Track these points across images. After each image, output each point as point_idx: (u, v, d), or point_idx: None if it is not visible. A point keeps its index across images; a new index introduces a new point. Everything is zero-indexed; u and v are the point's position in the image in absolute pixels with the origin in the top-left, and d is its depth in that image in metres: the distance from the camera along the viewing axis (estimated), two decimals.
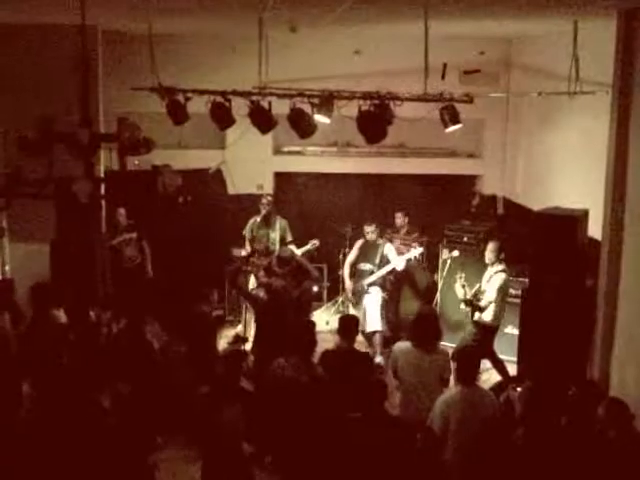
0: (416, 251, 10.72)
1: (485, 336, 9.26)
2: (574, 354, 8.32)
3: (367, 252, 10.64)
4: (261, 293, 9.09)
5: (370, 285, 10.54)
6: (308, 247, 11.18)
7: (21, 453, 5.83)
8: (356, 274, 10.71)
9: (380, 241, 10.63)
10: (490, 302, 9.10)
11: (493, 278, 9.19)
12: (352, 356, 7.51)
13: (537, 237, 8.70)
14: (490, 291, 9.13)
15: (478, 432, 6.23)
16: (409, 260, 10.69)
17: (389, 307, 10.88)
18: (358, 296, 10.61)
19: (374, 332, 10.38)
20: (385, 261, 10.54)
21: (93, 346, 7.45)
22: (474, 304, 9.22)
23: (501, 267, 9.24)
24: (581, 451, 5.74)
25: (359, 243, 10.80)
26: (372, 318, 10.38)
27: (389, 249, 10.61)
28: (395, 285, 11.11)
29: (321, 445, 6.19)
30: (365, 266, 10.60)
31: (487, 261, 9.33)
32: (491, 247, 9.33)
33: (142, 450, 6.24)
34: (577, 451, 5.76)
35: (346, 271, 10.86)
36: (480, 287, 9.30)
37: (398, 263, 10.50)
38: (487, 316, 9.17)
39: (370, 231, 10.53)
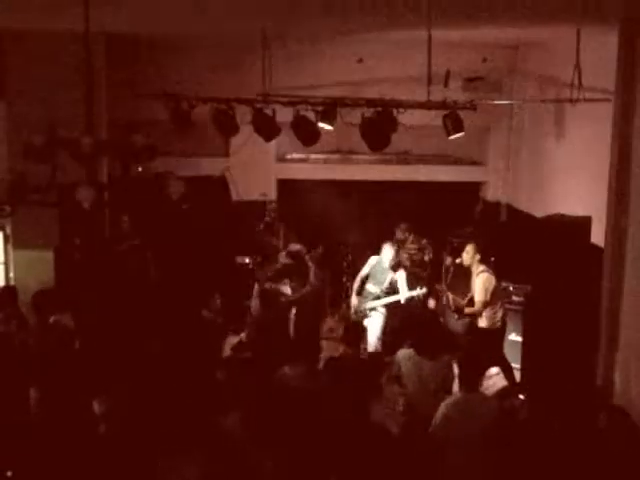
0: (421, 291, 10.41)
1: (490, 341, 9.25)
2: (578, 360, 8.31)
3: (377, 272, 10.41)
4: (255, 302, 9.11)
5: (372, 309, 10.38)
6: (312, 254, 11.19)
7: (28, 456, 5.86)
8: (362, 293, 10.53)
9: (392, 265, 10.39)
10: (480, 303, 9.07)
11: (476, 281, 9.19)
12: (357, 363, 7.52)
13: (540, 244, 8.71)
14: (477, 293, 9.12)
15: (479, 438, 6.23)
16: (411, 298, 10.44)
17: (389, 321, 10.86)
18: (361, 316, 10.40)
19: (373, 354, 10.29)
20: (393, 287, 10.34)
21: (97, 352, 7.47)
22: (467, 312, 9.23)
23: (482, 268, 9.23)
24: (583, 458, 5.74)
25: (374, 260, 10.51)
26: (372, 340, 10.29)
27: (400, 277, 10.34)
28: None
29: (325, 451, 6.19)
30: (372, 288, 10.38)
31: (465, 264, 9.34)
32: (466, 250, 9.35)
33: (148, 457, 6.25)
34: (579, 458, 5.76)
35: (355, 285, 10.60)
36: (472, 295, 9.30)
37: (403, 297, 10.24)
38: (482, 321, 9.17)
39: (389, 252, 10.27)
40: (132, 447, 5.95)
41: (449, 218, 12.12)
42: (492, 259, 9.85)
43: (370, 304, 10.33)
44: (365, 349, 10.09)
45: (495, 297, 9.16)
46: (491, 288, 9.12)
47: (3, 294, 8.72)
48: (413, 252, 11.51)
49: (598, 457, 5.68)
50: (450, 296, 9.50)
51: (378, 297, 10.34)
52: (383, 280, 10.34)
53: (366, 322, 10.30)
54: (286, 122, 9.01)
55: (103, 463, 5.82)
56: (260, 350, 8.69)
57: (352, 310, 10.53)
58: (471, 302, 9.21)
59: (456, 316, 9.71)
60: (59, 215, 9.42)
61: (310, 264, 10.41)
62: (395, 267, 10.37)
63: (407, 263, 11.14)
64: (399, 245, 11.35)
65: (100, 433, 6.09)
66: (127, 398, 6.27)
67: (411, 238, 11.62)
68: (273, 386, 7.11)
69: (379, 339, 10.27)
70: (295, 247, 10.31)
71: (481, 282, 9.11)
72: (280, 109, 8.98)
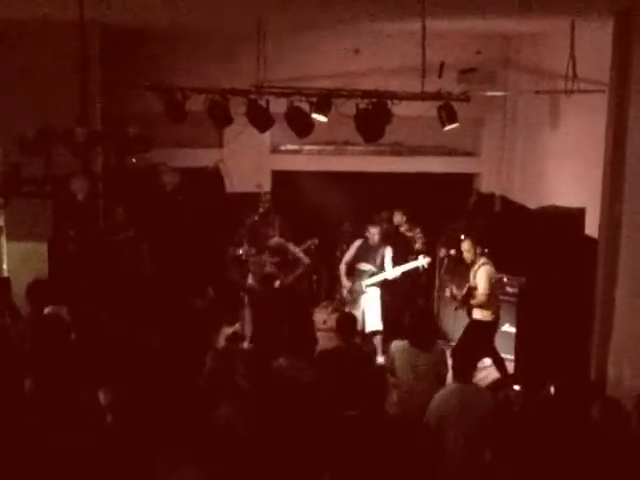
0: (424, 260, 10.46)
1: (484, 333, 9.29)
2: (571, 352, 8.34)
3: (367, 253, 10.45)
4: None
5: (368, 286, 10.42)
6: (307, 245, 11.23)
7: (23, 450, 5.85)
8: (355, 274, 10.57)
9: (380, 243, 10.43)
10: (484, 295, 9.10)
11: (478, 272, 9.22)
12: (351, 355, 7.51)
13: (534, 235, 8.73)
14: (480, 285, 9.14)
15: (474, 430, 6.25)
16: (417, 268, 10.51)
17: (387, 304, 10.95)
18: (356, 296, 10.49)
19: (374, 332, 10.35)
20: (384, 264, 10.40)
21: (93, 344, 7.45)
22: (468, 303, 9.26)
23: (483, 260, 9.27)
24: (577, 449, 5.76)
25: (357, 243, 10.60)
26: (371, 318, 10.31)
27: (388, 254, 10.41)
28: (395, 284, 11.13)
29: (320, 444, 6.20)
30: (365, 266, 10.41)
31: (466, 261, 9.38)
32: (465, 247, 9.38)
33: (141, 448, 6.24)
34: (574, 449, 5.78)
35: (342, 270, 10.67)
36: (470, 286, 9.32)
37: (391, 273, 10.30)
38: (478, 313, 9.20)
39: (375, 232, 10.39)
40: (130, 441, 5.95)
41: (443, 209, 12.13)
42: (486, 250, 9.88)
43: (367, 281, 10.34)
44: (362, 332, 10.14)
45: (495, 289, 9.23)
46: (493, 280, 9.19)
47: None
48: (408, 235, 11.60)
49: (592, 448, 5.70)
50: (453, 288, 9.51)
51: (373, 274, 10.35)
52: (375, 257, 10.37)
53: (363, 300, 10.34)
54: (280, 113, 8.99)
55: (99, 456, 5.82)
56: (258, 339, 8.70)
57: (345, 292, 10.55)
58: (468, 294, 9.24)
59: (455, 305, 9.69)
60: (53, 207, 9.38)
61: (294, 249, 10.47)
62: (384, 240, 10.46)
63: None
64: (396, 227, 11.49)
65: (98, 425, 6.09)
66: (124, 390, 6.26)
67: (406, 225, 11.68)
68: (269, 378, 7.11)
69: (378, 318, 10.30)
70: (273, 241, 10.37)
71: (484, 274, 9.15)
72: (274, 100, 8.95)
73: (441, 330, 10.68)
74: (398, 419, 6.69)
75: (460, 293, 9.33)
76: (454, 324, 10.49)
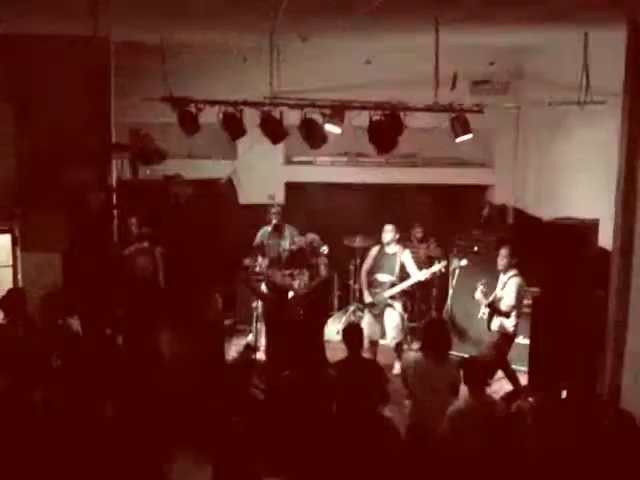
0: (440, 265, 10.52)
1: (504, 345, 9.27)
2: (586, 364, 8.30)
3: (383, 261, 10.44)
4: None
5: (392, 297, 10.38)
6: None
7: (32, 460, 5.87)
8: (374, 285, 10.51)
9: (396, 249, 10.44)
10: (511, 307, 9.09)
11: (508, 283, 9.19)
12: (359, 365, 7.50)
13: (548, 247, 8.71)
14: (508, 297, 9.12)
15: (488, 442, 6.22)
16: (434, 274, 10.55)
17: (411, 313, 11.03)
18: (380, 307, 10.41)
19: (396, 344, 10.37)
20: (404, 271, 10.37)
21: (105, 355, 7.48)
22: (497, 310, 9.22)
23: (514, 272, 9.24)
24: (590, 461, 5.73)
25: (374, 251, 10.60)
26: (394, 330, 10.32)
27: (407, 258, 10.39)
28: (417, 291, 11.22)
29: (328, 452, 6.20)
30: (384, 277, 10.39)
31: (500, 267, 9.33)
32: (503, 253, 9.34)
33: (154, 459, 6.26)
34: (586, 461, 5.75)
35: (363, 281, 10.63)
36: (496, 295, 9.29)
37: (420, 275, 10.29)
38: (509, 324, 9.18)
39: (389, 230, 10.36)
40: (139, 451, 5.97)
41: (456, 221, 12.12)
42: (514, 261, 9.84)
43: (388, 292, 10.33)
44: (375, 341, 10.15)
45: (521, 303, 9.22)
46: (521, 293, 9.17)
47: (11, 296, 8.73)
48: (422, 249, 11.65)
49: (604, 460, 5.68)
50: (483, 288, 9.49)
51: (393, 284, 10.34)
52: (393, 267, 10.36)
53: (387, 313, 10.35)
54: (294, 125, 9.02)
55: (107, 466, 5.84)
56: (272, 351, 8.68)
57: (369, 304, 10.53)
58: (493, 304, 9.24)
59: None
60: (67, 218, 9.43)
61: (322, 255, 10.52)
62: (398, 241, 10.48)
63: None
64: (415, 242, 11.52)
65: (107, 435, 6.11)
66: (135, 400, 6.29)
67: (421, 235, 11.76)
68: (276, 390, 7.11)
69: (400, 330, 10.34)
70: (310, 236, 10.48)
71: (514, 286, 9.15)
72: (288, 111, 8.99)
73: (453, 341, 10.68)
74: (410, 431, 6.68)
75: (485, 301, 9.33)
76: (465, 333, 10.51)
